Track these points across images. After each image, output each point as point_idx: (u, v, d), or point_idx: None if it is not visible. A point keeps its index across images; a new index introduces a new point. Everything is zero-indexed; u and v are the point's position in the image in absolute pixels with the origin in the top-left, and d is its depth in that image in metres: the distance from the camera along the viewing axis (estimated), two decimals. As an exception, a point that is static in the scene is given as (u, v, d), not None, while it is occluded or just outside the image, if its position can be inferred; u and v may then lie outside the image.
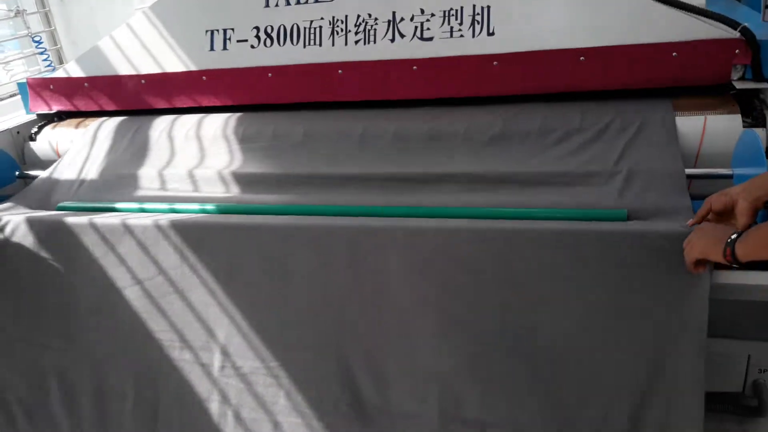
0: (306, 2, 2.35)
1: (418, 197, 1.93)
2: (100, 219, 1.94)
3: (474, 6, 2.18)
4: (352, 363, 1.75)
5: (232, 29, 2.45)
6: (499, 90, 2.17)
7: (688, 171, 1.84)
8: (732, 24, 1.97)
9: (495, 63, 2.15)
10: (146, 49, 2.57)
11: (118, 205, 2.12)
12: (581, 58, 2.08)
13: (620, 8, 2.08)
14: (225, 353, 1.84)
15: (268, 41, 2.41)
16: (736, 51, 1.94)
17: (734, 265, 1.29)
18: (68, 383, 1.96)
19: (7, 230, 2.00)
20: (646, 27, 2.05)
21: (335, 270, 1.75)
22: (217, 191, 2.16)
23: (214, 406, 1.85)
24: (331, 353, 1.76)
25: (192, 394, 1.86)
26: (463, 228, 1.67)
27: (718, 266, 1.47)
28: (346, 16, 2.31)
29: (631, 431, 1.58)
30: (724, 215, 1.43)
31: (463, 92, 2.20)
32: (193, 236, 1.86)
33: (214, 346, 1.85)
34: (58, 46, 4.39)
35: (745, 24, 1.94)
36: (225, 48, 2.46)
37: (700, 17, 2.04)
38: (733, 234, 1.27)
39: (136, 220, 1.90)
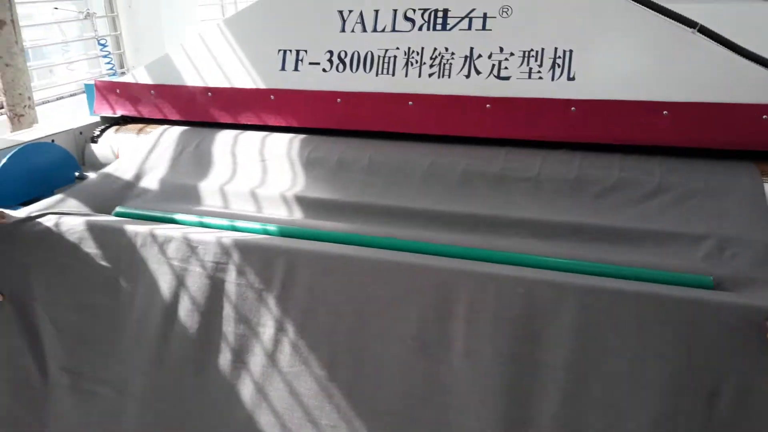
0: (383, 30, 2.34)
1: (487, 240, 1.86)
2: (161, 230, 1.91)
3: (556, 49, 2.14)
4: None
5: (305, 51, 2.44)
6: (575, 136, 2.11)
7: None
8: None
9: (573, 108, 2.10)
10: (216, 63, 2.57)
11: (177, 217, 2.09)
12: (664, 112, 2.01)
13: (709, 64, 2.02)
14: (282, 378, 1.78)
15: (341, 66, 2.39)
16: None
17: None
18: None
19: (64, 229, 1.97)
20: (736, 86, 1.99)
21: (417, 309, 1.66)
22: (280, 213, 2.12)
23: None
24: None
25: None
26: (543, 280, 1.58)
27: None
28: (423, 48, 2.29)
29: None
30: None
31: (537, 135, 2.15)
32: (255, 257, 1.81)
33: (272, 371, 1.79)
34: (122, 50, 4.48)
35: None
36: (296, 69, 2.45)
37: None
38: None
39: (199, 235, 1.87)
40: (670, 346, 1.47)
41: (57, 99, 4.00)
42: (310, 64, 2.44)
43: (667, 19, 2.06)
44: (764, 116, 1.92)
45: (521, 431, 1.54)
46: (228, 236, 1.84)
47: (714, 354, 1.44)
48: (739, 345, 1.42)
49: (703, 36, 2.03)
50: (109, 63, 4.26)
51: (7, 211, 2.01)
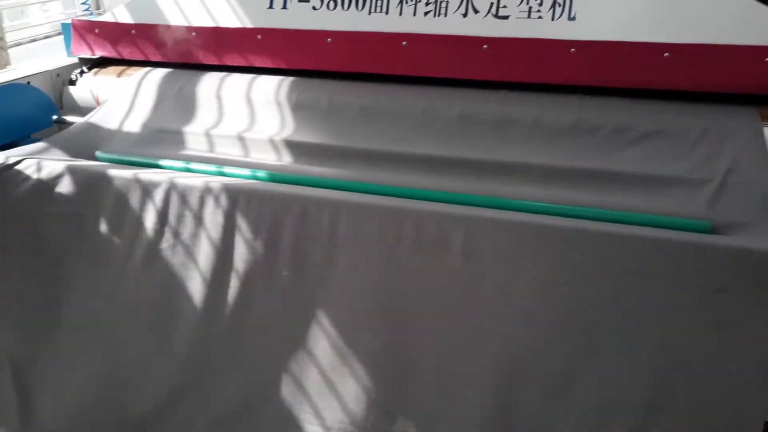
0: (376, -34, 2.22)
1: (487, 186, 1.81)
2: (146, 175, 1.84)
3: (557, -13, 2.05)
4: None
5: (295, -12, 2.32)
6: (574, 79, 2.04)
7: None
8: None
9: (572, 50, 2.03)
10: (201, 0, 2.44)
11: (162, 162, 2.02)
12: (665, 54, 1.95)
13: (713, 4, 1.94)
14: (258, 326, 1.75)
15: (332, 4, 2.28)
16: None
17: None
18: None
19: (44, 174, 1.89)
20: (739, 27, 1.92)
21: (396, 256, 1.63)
22: (268, 158, 2.05)
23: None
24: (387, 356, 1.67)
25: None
26: (551, 226, 1.56)
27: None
28: (418, -15, 2.18)
29: None
30: None
31: (536, 77, 2.08)
32: (243, 202, 1.75)
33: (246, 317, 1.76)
34: (100, -12, 4.27)
35: None
36: (284, 7, 2.34)
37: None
38: None
39: (185, 179, 1.80)
40: (671, 289, 1.46)
41: (30, 41, 3.81)
42: (300, 1, 2.32)
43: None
44: (767, 59, 1.87)
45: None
46: (215, 180, 1.77)
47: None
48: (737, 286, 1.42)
49: (710, -26, 1.95)
50: (84, 3, 4.06)
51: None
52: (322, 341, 1.70)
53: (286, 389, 1.71)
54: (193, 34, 2.44)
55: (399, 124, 2.08)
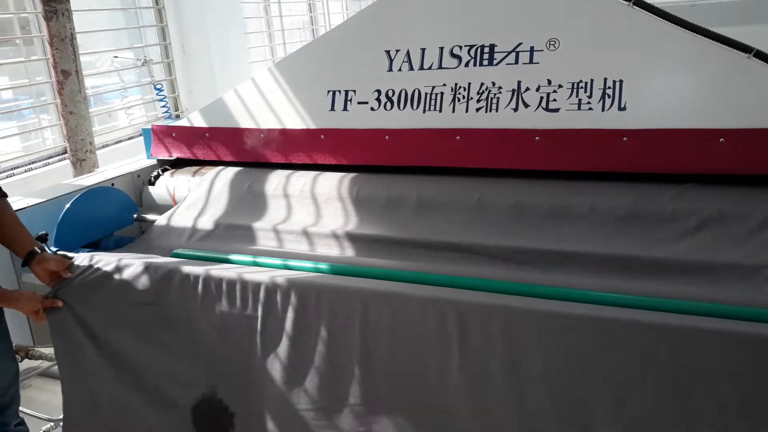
0: (430, 68, 2.36)
1: (546, 277, 1.83)
2: (216, 270, 1.95)
3: (605, 79, 2.12)
4: None
5: (354, 91, 2.48)
6: (628, 167, 2.07)
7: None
8: None
9: (625, 138, 2.06)
10: (268, 105, 2.64)
11: (232, 257, 2.14)
12: (721, 139, 1.96)
13: (764, 89, 1.96)
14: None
15: (389, 104, 2.42)
16: None
17: None
18: None
19: (126, 274, 2.03)
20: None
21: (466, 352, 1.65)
22: (332, 251, 2.14)
23: None
24: None
25: None
26: (624, 320, 1.52)
27: None
28: (470, 84, 2.30)
29: None
30: None
31: (588, 166, 2.11)
32: (307, 295, 1.83)
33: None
34: (176, 94, 4.65)
35: None
36: (345, 109, 2.49)
37: None
38: None
39: (252, 275, 1.90)
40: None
41: (116, 142, 4.16)
42: (359, 103, 2.48)
43: (722, 45, 2.01)
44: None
45: None
46: (281, 275, 1.86)
47: None
48: None
49: (760, 60, 1.97)
50: (164, 106, 4.43)
51: (70, 254, 2.09)
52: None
53: None
54: (262, 135, 2.63)
55: (454, 215, 2.15)
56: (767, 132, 1.91)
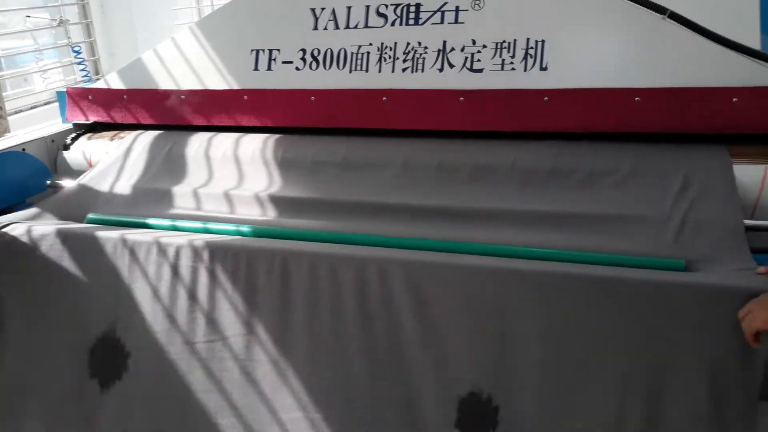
0: (356, 27, 2.32)
1: (466, 233, 1.85)
2: (132, 235, 1.89)
3: (528, 39, 2.13)
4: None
5: (278, 50, 2.42)
6: (549, 126, 2.10)
7: (747, 222, 1.76)
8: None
9: (546, 98, 2.09)
10: (189, 65, 2.54)
11: (150, 221, 2.07)
12: (636, 98, 2.01)
13: (679, 49, 2.02)
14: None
15: (314, 64, 2.37)
16: None
17: None
18: None
19: (35, 238, 1.94)
20: (706, 70, 1.99)
21: (374, 304, 1.67)
22: (254, 213, 2.10)
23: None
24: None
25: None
26: (519, 270, 1.61)
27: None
28: (395, 44, 2.27)
29: None
30: None
31: (511, 126, 2.14)
32: (224, 258, 1.79)
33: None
34: (96, 57, 4.41)
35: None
36: (269, 68, 2.43)
37: (762, 63, 1.97)
38: None
39: (169, 238, 1.84)
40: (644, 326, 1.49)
41: (31, 108, 3.93)
42: (283, 63, 2.42)
43: (638, 5, 2.06)
44: (734, 99, 1.92)
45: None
46: (199, 238, 1.81)
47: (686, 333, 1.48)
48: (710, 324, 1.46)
49: (674, 21, 2.02)
50: (83, 69, 4.19)
51: (-26, 222, 1.98)
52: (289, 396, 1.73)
53: None
54: (183, 96, 2.53)
55: (379, 176, 2.14)
56: (680, 91, 1.98)
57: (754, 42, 2.17)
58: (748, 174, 1.88)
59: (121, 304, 1.86)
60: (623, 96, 2.02)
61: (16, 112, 3.83)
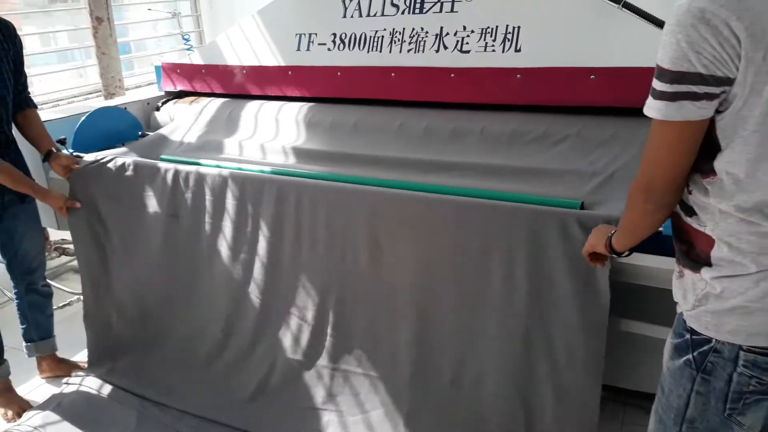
0: (375, 15, 2.84)
1: (440, 179, 2.29)
2: (183, 167, 2.52)
3: (507, 26, 2.55)
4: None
5: (315, 34, 2.99)
6: (520, 99, 2.51)
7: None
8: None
9: (518, 76, 2.49)
10: (250, 45, 3.17)
11: (202, 161, 2.71)
12: (591, 76, 2.37)
13: (632, 34, 2.34)
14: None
15: (341, 46, 2.92)
16: None
17: (618, 255, 1.46)
18: None
19: (119, 165, 2.61)
20: (653, 53, 2.29)
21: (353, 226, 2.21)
22: (280, 160, 2.67)
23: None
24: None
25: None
26: (443, 201, 2.09)
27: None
28: (404, 29, 2.76)
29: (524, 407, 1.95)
30: None
31: (489, 99, 2.56)
32: (254, 187, 2.38)
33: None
34: (202, 44, 5.25)
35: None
36: (308, 49, 3.00)
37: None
38: (614, 230, 1.45)
39: (209, 170, 2.46)
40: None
41: (148, 84, 4.80)
42: (319, 44, 2.98)
43: (598, -2, 2.41)
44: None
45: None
46: (226, 171, 2.42)
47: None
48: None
49: (627, 10, 2.35)
50: (187, 41, 5.01)
51: (81, 154, 2.70)
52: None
53: None
54: (244, 71, 3.17)
55: (379, 136, 2.64)
56: (629, 70, 2.31)
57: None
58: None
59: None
60: (580, 74, 2.38)
61: (136, 87, 4.71)
